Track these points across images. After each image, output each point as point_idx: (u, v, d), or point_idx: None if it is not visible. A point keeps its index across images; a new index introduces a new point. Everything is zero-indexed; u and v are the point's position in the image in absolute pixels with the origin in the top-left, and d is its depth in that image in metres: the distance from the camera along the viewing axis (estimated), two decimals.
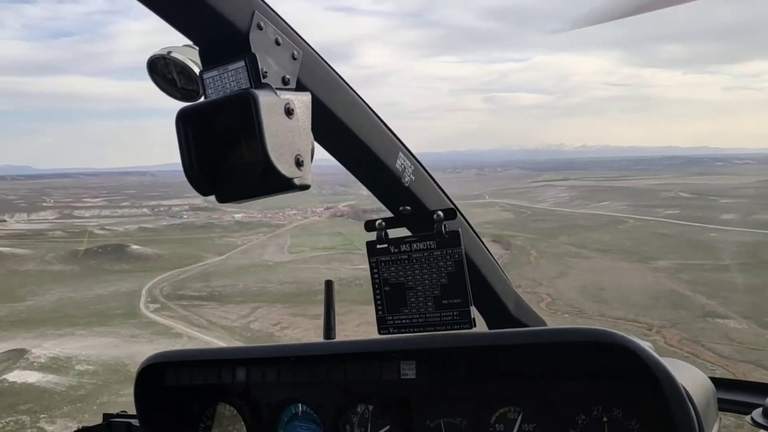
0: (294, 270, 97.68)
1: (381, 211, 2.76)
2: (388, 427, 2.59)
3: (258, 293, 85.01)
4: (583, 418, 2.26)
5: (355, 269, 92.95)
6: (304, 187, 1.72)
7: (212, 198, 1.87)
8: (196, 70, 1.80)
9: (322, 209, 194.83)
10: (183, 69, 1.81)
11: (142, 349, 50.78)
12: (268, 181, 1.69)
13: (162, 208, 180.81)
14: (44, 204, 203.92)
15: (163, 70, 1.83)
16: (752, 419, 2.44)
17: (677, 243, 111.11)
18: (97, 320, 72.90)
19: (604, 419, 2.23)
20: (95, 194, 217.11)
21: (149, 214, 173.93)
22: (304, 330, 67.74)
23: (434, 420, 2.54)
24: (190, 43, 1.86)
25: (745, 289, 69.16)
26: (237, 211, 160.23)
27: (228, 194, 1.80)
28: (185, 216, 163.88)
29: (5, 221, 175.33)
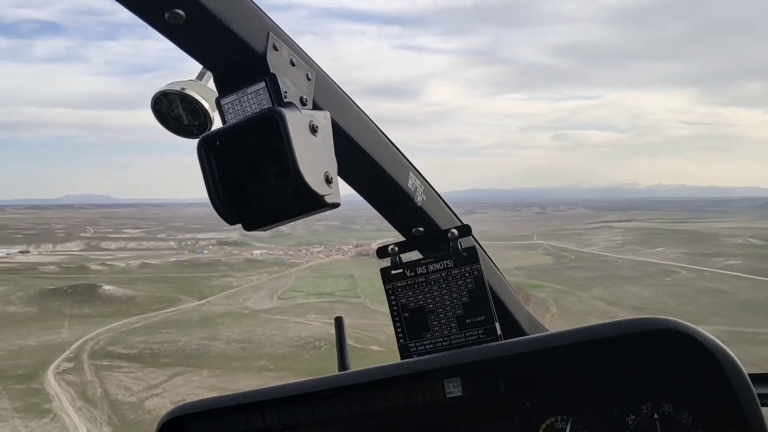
0: (259, 323, 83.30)
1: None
2: None
3: (192, 354, 70.86)
4: (633, 418, 2.09)
5: (325, 324, 78.76)
6: (335, 205, 1.64)
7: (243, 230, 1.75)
8: (204, 104, 1.72)
9: (351, 246, 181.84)
10: (189, 104, 1.72)
11: None
12: (300, 200, 1.60)
13: (189, 242, 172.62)
14: (82, 234, 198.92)
15: (167, 108, 1.74)
16: None
17: (730, 302, 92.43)
18: None
19: (655, 416, 2.06)
20: (137, 225, 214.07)
21: (174, 248, 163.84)
22: None
23: None
24: (193, 78, 1.78)
25: None
26: (258, 247, 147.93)
27: (255, 221, 1.70)
28: (205, 251, 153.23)
29: (28, 252, 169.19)
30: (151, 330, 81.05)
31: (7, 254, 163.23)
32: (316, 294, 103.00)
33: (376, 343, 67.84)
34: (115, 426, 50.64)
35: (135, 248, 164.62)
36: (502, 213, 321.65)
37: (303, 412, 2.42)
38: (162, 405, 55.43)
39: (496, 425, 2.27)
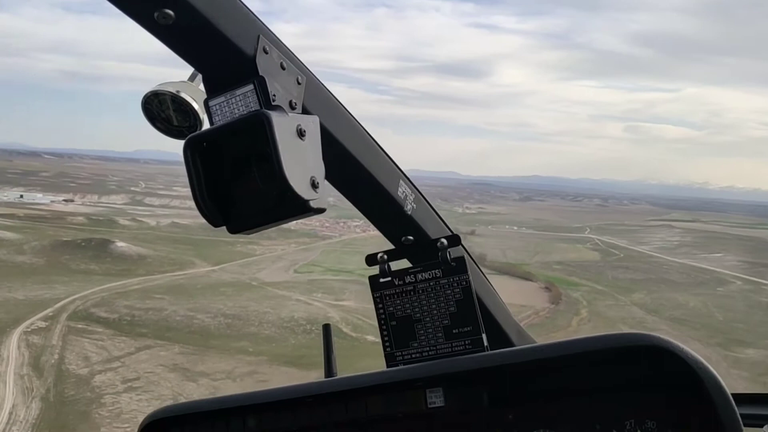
0: (258, 298, 76.92)
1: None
2: None
3: (173, 326, 65.18)
4: None
5: (335, 305, 71.89)
6: (320, 211, 1.63)
7: None
8: (194, 105, 1.70)
9: None
10: (180, 105, 1.70)
11: None
12: (285, 204, 1.58)
13: None
14: (132, 188, 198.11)
15: (158, 108, 1.72)
16: None
17: None
18: None
19: None
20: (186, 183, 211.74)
21: None
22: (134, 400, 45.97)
23: None
24: (184, 79, 1.77)
25: None
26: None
27: (240, 224, 1.67)
28: None
29: (72, 201, 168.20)
30: (145, 294, 75.77)
31: (51, 201, 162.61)
32: (335, 271, 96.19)
33: (374, 333, 60.36)
34: (46, 402, 44.90)
35: (177, 206, 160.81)
36: (560, 202, 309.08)
37: (284, 419, 2.36)
38: (111, 383, 49.60)
39: None
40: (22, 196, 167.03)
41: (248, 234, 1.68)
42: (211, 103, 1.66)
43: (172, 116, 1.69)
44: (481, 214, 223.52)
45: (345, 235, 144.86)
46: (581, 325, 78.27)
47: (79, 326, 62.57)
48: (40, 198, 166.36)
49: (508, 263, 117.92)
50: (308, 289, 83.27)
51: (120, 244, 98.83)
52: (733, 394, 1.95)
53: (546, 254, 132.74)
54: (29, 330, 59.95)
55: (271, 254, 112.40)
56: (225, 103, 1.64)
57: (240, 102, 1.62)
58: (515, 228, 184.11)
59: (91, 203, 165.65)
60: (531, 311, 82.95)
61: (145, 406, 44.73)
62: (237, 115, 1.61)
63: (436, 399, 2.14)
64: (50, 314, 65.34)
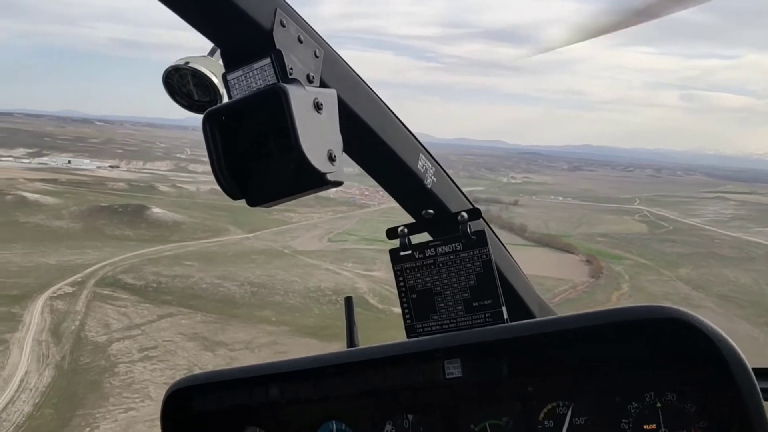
0: (287, 266, 75.45)
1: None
2: None
3: (198, 294, 64.19)
4: (635, 406, 2.04)
5: (364, 275, 70.07)
6: (337, 184, 1.62)
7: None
8: (214, 80, 1.72)
9: None
10: (200, 80, 1.71)
11: None
12: (302, 177, 1.59)
13: None
14: (177, 155, 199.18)
15: (179, 83, 1.73)
16: None
17: None
18: None
19: (658, 405, 2.02)
20: None
21: None
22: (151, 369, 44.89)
23: (478, 423, 2.26)
24: (205, 54, 1.78)
25: None
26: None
27: (259, 197, 1.68)
28: None
29: (117, 167, 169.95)
30: (175, 261, 75.10)
31: (97, 167, 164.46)
32: (369, 240, 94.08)
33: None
34: (59, 370, 44.15)
35: None
36: (611, 173, 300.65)
37: (305, 388, 2.40)
38: (127, 351, 48.66)
39: (497, 408, 2.23)
40: (69, 162, 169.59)
41: (267, 207, 1.70)
42: (229, 77, 1.65)
43: (193, 91, 1.70)
44: (526, 183, 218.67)
45: (384, 203, 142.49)
46: (621, 300, 74.51)
47: (105, 292, 62.08)
48: (86, 164, 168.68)
49: (549, 234, 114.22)
50: (339, 258, 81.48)
51: (156, 210, 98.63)
52: (754, 369, 1.93)
53: (590, 226, 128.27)
54: (55, 295, 59.66)
55: (307, 222, 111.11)
56: (243, 77, 1.63)
57: (258, 75, 1.61)
58: (560, 198, 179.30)
59: (135, 169, 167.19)
60: (569, 285, 79.56)
61: (158, 377, 43.68)
62: (254, 89, 1.61)
63: (454, 370, 2.15)
64: (78, 280, 65.08)
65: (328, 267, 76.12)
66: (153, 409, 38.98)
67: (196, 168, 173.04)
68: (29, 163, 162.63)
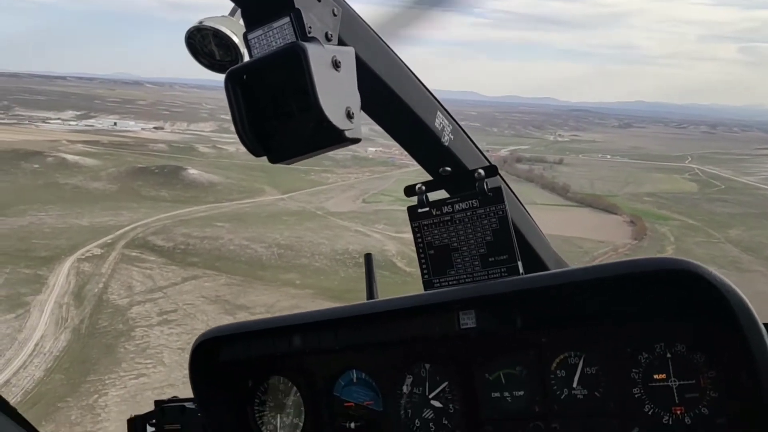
0: (318, 228, 73.99)
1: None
2: (446, 384, 2.39)
3: (225, 255, 63.32)
4: (645, 357, 2.09)
5: (395, 236, 68.21)
6: (355, 141, 1.64)
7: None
8: (235, 39, 1.75)
9: None
10: (221, 40, 1.74)
11: None
12: (321, 134, 1.61)
13: None
14: (222, 116, 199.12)
15: (201, 43, 1.76)
16: None
17: None
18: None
19: (668, 355, 2.06)
20: None
21: None
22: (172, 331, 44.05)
23: (493, 373, 2.32)
24: (225, 14, 1.81)
25: None
26: (376, 145, 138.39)
27: (280, 154, 1.71)
28: None
29: (161, 129, 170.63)
30: (207, 222, 74.37)
31: (141, 128, 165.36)
32: (404, 201, 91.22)
33: None
34: (76, 334, 43.63)
35: None
36: (663, 129, 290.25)
37: (326, 338, 2.47)
38: (147, 315, 47.90)
39: (512, 357, 2.28)
40: (115, 124, 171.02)
41: (288, 164, 1.72)
42: (249, 37, 1.66)
43: (215, 51, 1.72)
44: (574, 142, 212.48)
45: None
46: None
47: (134, 254, 61.66)
48: (132, 125, 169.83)
49: (592, 194, 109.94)
50: (371, 220, 79.55)
51: (192, 171, 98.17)
52: (766, 324, 1.99)
53: (638, 185, 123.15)
54: (83, 257, 59.44)
55: (344, 183, 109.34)
56: (263, 36, 1.64)
57: (277, 34, 1.62)
58: (608, 157, 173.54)
59: (179, 131, 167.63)
60: (609, 247, 75.89)
61: (174, 341, 42.81)
62: (274, 48, 1.62)
63: (468, 320, 2.21)
64: (109, 241, 64.85)
65: (358, 229, 74.34)
66: (164, 375, 38.10)
67: None
68: (76, 125, 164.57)
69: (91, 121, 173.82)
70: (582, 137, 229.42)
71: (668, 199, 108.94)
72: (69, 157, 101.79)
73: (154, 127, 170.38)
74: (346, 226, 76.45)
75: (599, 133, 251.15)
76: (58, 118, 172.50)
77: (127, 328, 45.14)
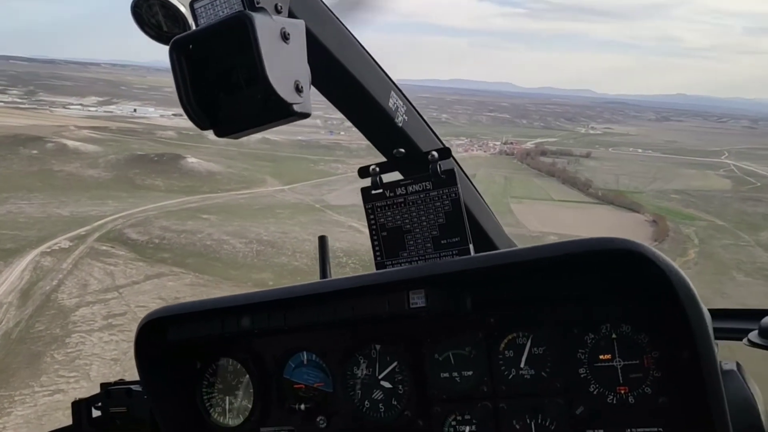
0: (309, 222, 69.02)
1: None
2: (395, 364, 2.42)
3: (199, 252, 58.63)
4: (591, 337, 2.14)
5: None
6: (304, 115, 1.58)
7: None
8: (181, 9, 1.66)
9: (499, 143, 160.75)
10: (168, 10, 1.66)
11: None
12: (269, 108, 1.54)
13: (335, 121, 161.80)
14: None
15: (147, 14, 1.67)
16: (749, 341, 2.31)
17: None
18: None
19: (614, 336, 2.11)
20: None
21: (318, 126, 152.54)
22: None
23: (442, 353, 2.35)
24: None
25: None
26: None
27: (227, 128, 1.65)
28: (342, 133, 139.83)
29: (180, 115, 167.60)
30: (192, 214, 69.88)
31: (160, 115, 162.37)
32: None
33: None
34: (5, 339, 39.19)
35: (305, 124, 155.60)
36: (702, 123, 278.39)
37: (276, 318, 2.41)
38: (91, 318, 43.27)
39: (460, 338, 2.31)
40: (135, 110, 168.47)
41: (236, 137, 1.65)
42: (196, 6, 1.59)
43: (162, 22, 1.64)
44: (606, 135, 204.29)
45: None
46: (684, 269, 63.79)
47: (103, 248, 57.33)
48: (151, 112, 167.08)
49: (615, 191, 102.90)
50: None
51: (191, 159, 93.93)
52: (712, 309, 2.04)
53: (666, 181, 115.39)
54: (49, 251, 55.27)
55: (353, 174, 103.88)
56: (210, 5, 1.57)
57: (224, 3, 1.55)
58: (640, 151, 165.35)
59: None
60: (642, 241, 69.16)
61: (110, 351, 38.12)
62: (221, 17, 1.55)
63: (417, 300, 2.16)
64: (82, 233, 60.69)
65: (352, 224, 68.92)
66: (84, 392, 32.95)
67: None
68: (95, 111, 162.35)
69: (111, 108, 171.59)
70: (615, 130, 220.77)
71: (697, 197, 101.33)
72: (69, 143, 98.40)
73: (173, 114, 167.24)
74: (340, 221, 71.28)
75: (634, 126, 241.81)
76: (79, 104, 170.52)
77: (64, 333, 40.56)
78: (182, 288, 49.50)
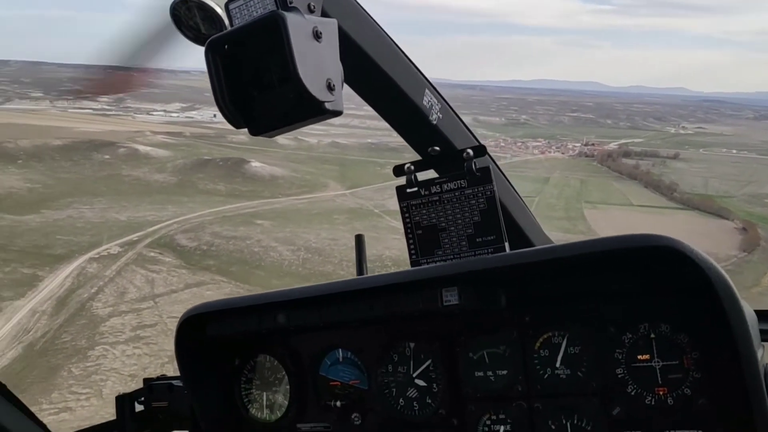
0: (364, 228, 65.19)
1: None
2: (430, 362, 2.42)
3: (244, 259, 56.62)
4: (629, 337, 2.10)
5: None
6: (336, 113, 1.59)
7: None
8: (218, 10, 1.68)
9: (579, 144, 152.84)
10: (206, 12, 1.68)
11: None
12: (301, 106, 1.57)
13: None
14: None
15: (186, 16, 1.69)
16: None
17: None
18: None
19: (652, 336, 2.07)
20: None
21: (390, 128, 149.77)
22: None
23: (477, 351, 2.34)
24: None
25: None
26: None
27: (260, 126, 1.67)
28: None
29: None
30: (247, 219, 68.27)
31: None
32: None
33: None
34: (29, 350, 38.02)
35: (357, 126, 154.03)
36: None
37: (311, 315, 2.42)
38: (120, 330, 41.59)
39: (495, 336, 2.29)
40: (215, 116, 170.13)
41: (269, 136, 1.66)
42: (231, 6, 1.62)
43: (200, 24, 1.66)
44: (698, 135, 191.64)
45: (518, 156, 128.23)
46: None
47: (151, 255, 56.18)
48: None
49: (702, 195, 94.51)
50: None
51: (254, 164, 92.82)
52: (759, 311, 1.99)
53: (761, 185, 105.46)
54: (97, 256, 54.57)
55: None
56: (244, 5, 1.59)
57: (258, 4, 1.57)
58: (734, 151, 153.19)
59: None
60: (731, 252, 62.53)
61: (131, 365, 36.24)
62: (254, 17, 1.58)
63: (450, 297, 2.13)
64: (134, 239, 59.97)
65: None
66: (92, 411, 31.38)
67: (333, 121, 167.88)
68: (177, 116, 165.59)
69: (192, 113, 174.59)
70: (708, 130, 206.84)
71: None
72: (141, 148, 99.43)
73: None
74: (397, 227, 67.56)
75: (730, 125, 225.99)
76: (162, 110, 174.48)
77: (89, 345, 39.02)
78: (219, 298, 47.37)
